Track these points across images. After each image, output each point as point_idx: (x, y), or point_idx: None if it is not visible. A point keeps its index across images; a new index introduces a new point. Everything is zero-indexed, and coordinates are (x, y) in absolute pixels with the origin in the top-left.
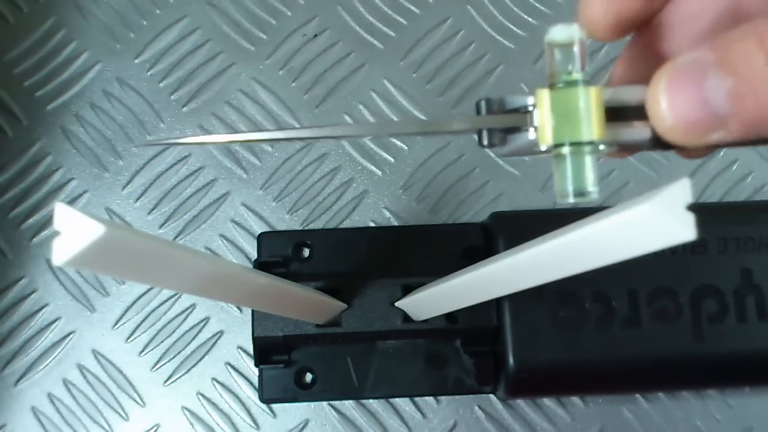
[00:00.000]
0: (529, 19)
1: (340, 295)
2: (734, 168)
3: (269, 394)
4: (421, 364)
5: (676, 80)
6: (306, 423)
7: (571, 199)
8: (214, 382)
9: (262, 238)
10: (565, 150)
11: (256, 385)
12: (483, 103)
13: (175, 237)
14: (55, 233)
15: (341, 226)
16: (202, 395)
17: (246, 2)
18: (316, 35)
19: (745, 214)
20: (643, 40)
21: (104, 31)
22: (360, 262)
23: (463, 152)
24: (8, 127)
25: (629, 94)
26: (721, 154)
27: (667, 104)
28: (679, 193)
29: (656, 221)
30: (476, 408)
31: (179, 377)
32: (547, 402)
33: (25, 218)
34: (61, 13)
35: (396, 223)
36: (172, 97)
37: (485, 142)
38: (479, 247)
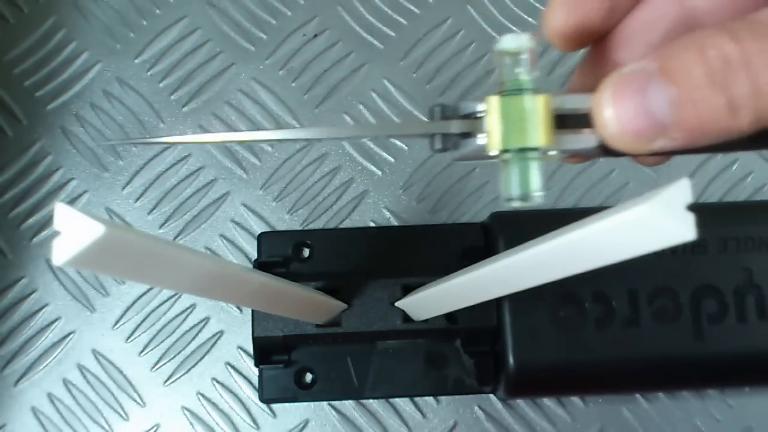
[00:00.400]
0: (529, 19)
1: (340, 295)
2: (734, 168)
3: (269, 394)
4: (421, 364)
5: (621, 89)
6: (306, 423)
7: (516, 204)
8: (214, 382)
9: (262, 238)
10: (512, 155)
11: (256, 385)
12: (437, 109)
13: (175, 237)
14: (55, 233)
15: (341, 226)
16: (202, 395)
17: (246, 2)
18: (316, 35)
19: (745, 214)
20: (600, 50)
21: (104, 31)
22: (360, 262)
23: None
24: (8, 127)
25: (579, 102)
26: (721, 154)
27: (612, 113)
28: (679, 193)
29: (656, 221)
30: (476, 408)
31: (179, 377)
32: (547, 402)
33: (25, 218)
34: (61, 13)
35: (396, 223)
36: (172, 97)
37: (438, 146)
38: (479, 247)
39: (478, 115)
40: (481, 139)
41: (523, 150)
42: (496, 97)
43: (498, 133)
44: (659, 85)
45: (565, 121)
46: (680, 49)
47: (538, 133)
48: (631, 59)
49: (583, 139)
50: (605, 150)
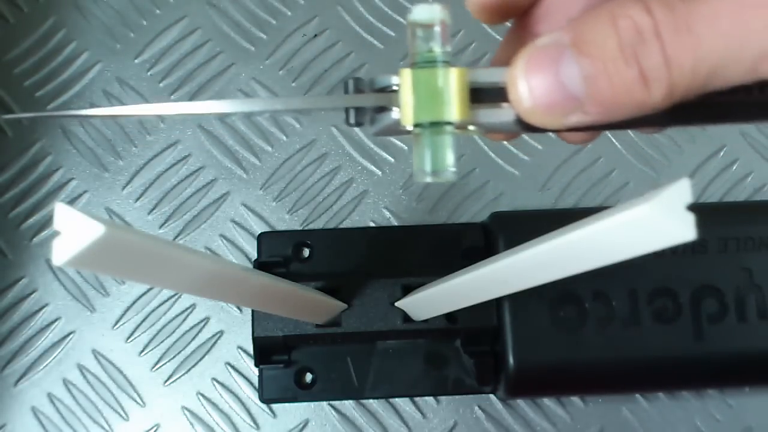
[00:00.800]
0: None
1: (340, 295)
2: (734, 168)
3: (269, 394)
4: (421, 364)
5: (534, 62)
6: (306, 423)
7: (428, 179)
8: (214, 382)
9: (262, 238)
10: (425, 130)
11: (256, 385)
12: (351, 82)
13: (175, 237)
14: (55, 233)
15: (341, 226)
16: (202, 395)
17: (246, 2)
18: (316, 35)
19: (745, 214)
20: (523, 23)
21: (104, 31)
22: (360, 262)
23: (463, 152)
24: (8, 127)
25: (496, 75)
26: (721, 154)
27: (525, 87)
28: (679, 193)
29: (656, 221)
30: (476, 408)
31: (179, 377)
32: (547, 402)
33: (25, 218)
34: (61, 13)
35: (396, 223)
36: (172, 97)
37: (352, 120)
38: (479, 247)
39: (393, 88)
40: (395, 113)
41: (437, 124)
42: (409, 70)
43: (410, 107)
44: (572, 57)
45: (482, 95)
46: (593, 20)
47: (452, 106)
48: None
49: (501, 113)
50: (525, 125)
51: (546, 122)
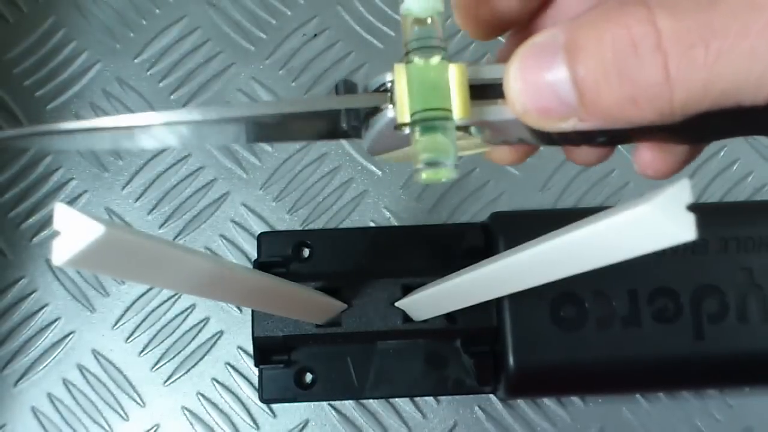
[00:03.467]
0: None
1: (340, 295)
2: (734, 168)
3: (269, 394)
4: (421, 364)
5: (527, 62)
6: (306, 423)
7: (426, 174)
8: (214, 382)
9: (262, 238)
10: (423, 123)
11: (256, 385)
12: (342, 84)
13: (175, 237)
14: (55, 233)
15: (341, 226)
16: (202, 395)
17: (246, 2)
18: (316, 35)
19: (745, 214)
20: (523, 33)
21: (104, 31)
22: (360, 262)
23: None
24: (8, 126)
25: (497, 72)
26: (722, 154)
27: (518, 88)
28: (680, 193)
29: (657, 221)
30: (476, 408)
31: (179, 377)
32: (547, 402)
33: (25, 218)
34: (60, 12)
35: (396, 223)
36: (172, 96)
37: (344, 123)
38: (479, 247)
39: (387, 86)
40: (390, 112)
41: (435, 117)
42: (402, 65)
43: (406, 103)
44: (564, 61)
45: (484, 92)
46: (589, 23)
47: (451, 100)
48: None
49: (504, 111)
50: (530, 130)
51: (541, 125)
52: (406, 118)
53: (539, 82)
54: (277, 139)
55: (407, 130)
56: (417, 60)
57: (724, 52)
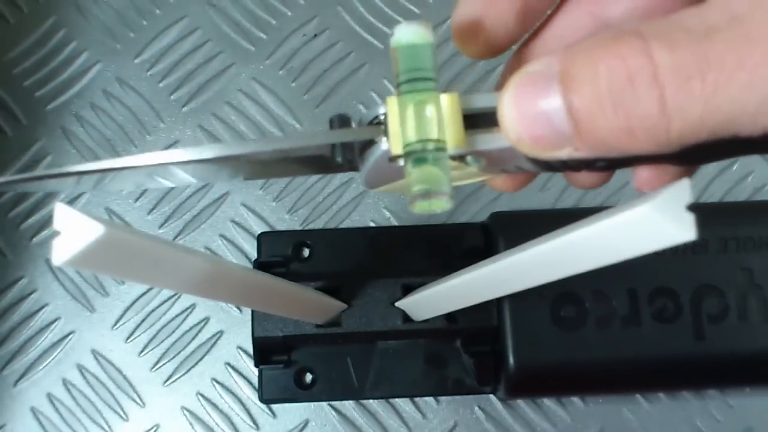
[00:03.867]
0: None
1: (340, 295)
2: (734, 168)
3: (269, 395)
4: (421, 364)
5: (521, 91)
6: (306, 423)
7: (421, 205)
8: (214, 383)
9: (261, 238)
10: (417, 154)
11: (256, 385)
12: (336, 118)
13: (175, 237)
14: (55, 233)
15: (341, 226)
16: (202, 395)
17: (246, 2)
18: (316, 35)
19: (745, 214)
20: (519, 59)
21: (104, 31)
22: (360, 262)
23: None
24: (8, 127)
25: (491, 101)
26: None
27: (512, 116)
28: (680, 193)
29: (656, 221)
30: (476, 408)
31: (179, 377)
32: (547, 402)
33: (24, 218)
34: (60, 12)
35: (396, 223)
36: (172, 97)
37: (339, 157)
38: (479, 247)
39: (381, 118)
40: (384, 144)
41: (428, 148)
42: (395, 97)
43: (399, 133)
44: (558, 91)
45: (478, 121)
46: (586, 52)
47: (444, 131)
48: None
49: (499, 139)
50: (530, 159)
51: (536, 153)
52: (399, 150)
53: (533, 110)
54: (275, 175)
55: (401, 162)
56: (408, 92)
57: (721, 84)
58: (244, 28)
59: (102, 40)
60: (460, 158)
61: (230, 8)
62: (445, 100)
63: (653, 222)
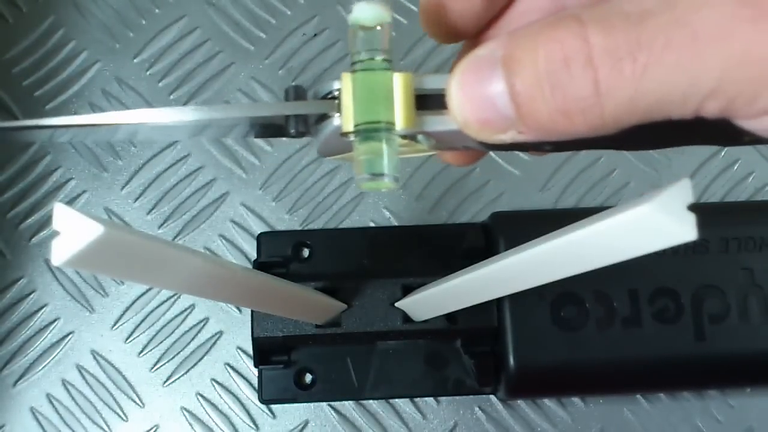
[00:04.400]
0: None
1: (340, 295)
2: (735, 168)
3: (269, 395)
4: (421, 364)
5: (468, 74)
6: (306, 424)
7: (368, 185)
8: (214, 383)
9: (261, 239)
10: (366, 133)
11: (256, 385)
12: (292, 89)
13: (175, 237)
14: (54, 233)
15: (341, 226)
16: (202, 396)
17: (245, 1)
18: (315, 35)
19: (746, 214)
20: (478, 40)
21: (103, 31)
22: (360, 262)
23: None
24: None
25: (442, 82)
26: (723, 153)
27: (459, 99)
28: (680, 193)
29: (657, 221)
30: (476, 409)
31: (178, 378)
32: (548, 402)
33: (24, 218)
34: (59, 12)
35: (396, 223)
36: (171, 96)
37: (293, 129)
38: (479, 247)
39: (335, 93)
40: (336, 120)
41: (377, 128)
42: (349, 74)
43: (351, 112)
44: (501, 75)
45: (429, 102)
46: (525, 37)
47: (396, 112)
48: None
49: (445, 121)
50: (478, 141)
51: (482, 137)
52: (350, 128)
53: (479, 94)
54: (234, 136)
55: (352, 137)
56: (362, 69)
57: (650, 65)
58: (244, 27)
59: (101, 39)
60: (411, 137)
61: (230, 7)
62: (398, 79)
63: (654, 222)
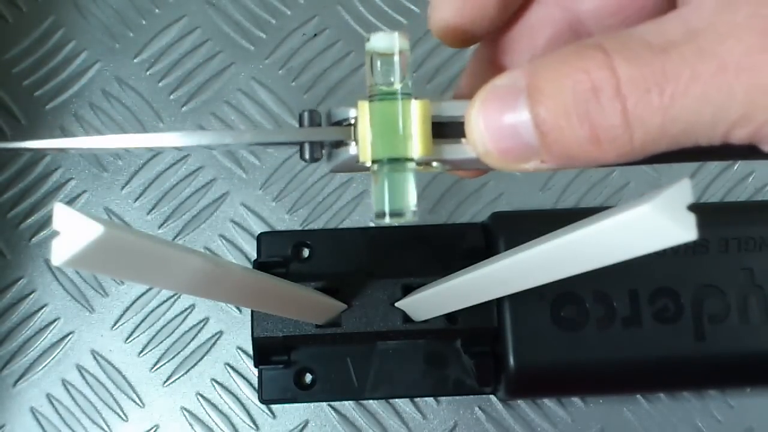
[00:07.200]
0: None
1: (340, 295)
2: (735, 168)
3: (269, 395)
4: (421, 364)
5: (489, 104)
6: (306, 424)
7: (387, 220)
8: (214, 383)
9: (261, 239)
10: (384, 166)
11: (256, 385)
12: (306, 115)
13: (175, 237)
14: (54, 233)
15: (341, 226)
16: (202, 396)
17: (245, 1)
18: (315, 34)
19: (746, 214)
20: (487, 52)
21: (103, 31)
22: (360, 262)
23: None
24: (7, 126)
25: (460, 109)
26: None
27: (480, 129)
28: (680, 193)
29: (657, 222)
30: (476, 409)
31: (178, 378)
32: (548, 402)
33: (24, 218)
34: (60, 12)
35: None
36: (172, 96)
37: (307, 155)
38: (479, 247)
39: (351, 121)
40: (353, 149)
41: (396, 160)
42: (366, 103)
43: (368, 142)
44: (525, 104)
45: (446, 130)
46: (551, 66)
47: (414, 142)
48: (514, 66)
49: (463, 150)
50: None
51: (502, 166)
52: (368, 160)
53: (501, 124)
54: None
55: (368, 164)
56: (381, 99)
57: (678, 96)
58: (244, 27)
59: (101, 39)
60: (426, 163)
61: (230, 7)
62: (416, 106)
63: (654, 222)
